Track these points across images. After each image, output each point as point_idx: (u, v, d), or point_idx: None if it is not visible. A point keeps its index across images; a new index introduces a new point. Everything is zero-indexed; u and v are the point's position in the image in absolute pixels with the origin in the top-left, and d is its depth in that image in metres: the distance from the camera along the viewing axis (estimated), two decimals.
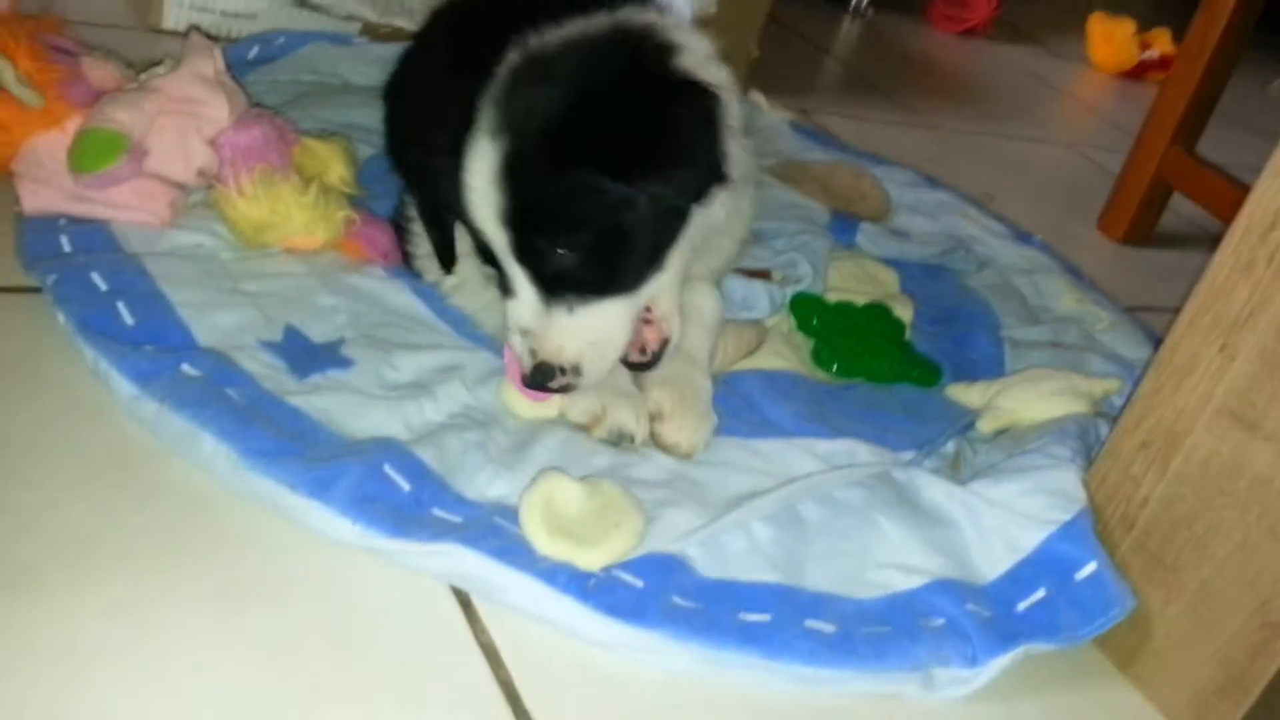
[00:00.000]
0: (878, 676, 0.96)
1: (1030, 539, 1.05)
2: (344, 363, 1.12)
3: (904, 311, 1.48)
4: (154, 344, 1.07)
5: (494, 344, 1.21)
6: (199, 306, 1.13)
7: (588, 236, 1.07)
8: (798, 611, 0.97)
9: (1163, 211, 2.10)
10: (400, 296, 1.26)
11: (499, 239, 1.09)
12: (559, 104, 1.06)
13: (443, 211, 1.18)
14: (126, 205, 1.22)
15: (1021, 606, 1.02)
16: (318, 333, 1.16)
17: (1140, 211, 2.06)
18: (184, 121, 1.25)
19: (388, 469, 0.98)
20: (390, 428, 1.06)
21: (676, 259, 1.13)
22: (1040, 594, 1.02)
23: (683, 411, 1.15)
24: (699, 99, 1.10)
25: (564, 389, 1.10)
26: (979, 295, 1.62)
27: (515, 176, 1.06)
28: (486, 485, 1.03)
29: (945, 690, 0.97)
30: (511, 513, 0.98)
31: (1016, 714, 0.99)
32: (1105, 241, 2.10)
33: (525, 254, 1.08)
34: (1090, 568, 1.02)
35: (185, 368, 1.04)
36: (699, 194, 1.11)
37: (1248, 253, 0.96)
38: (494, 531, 0.96)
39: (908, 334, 1.45)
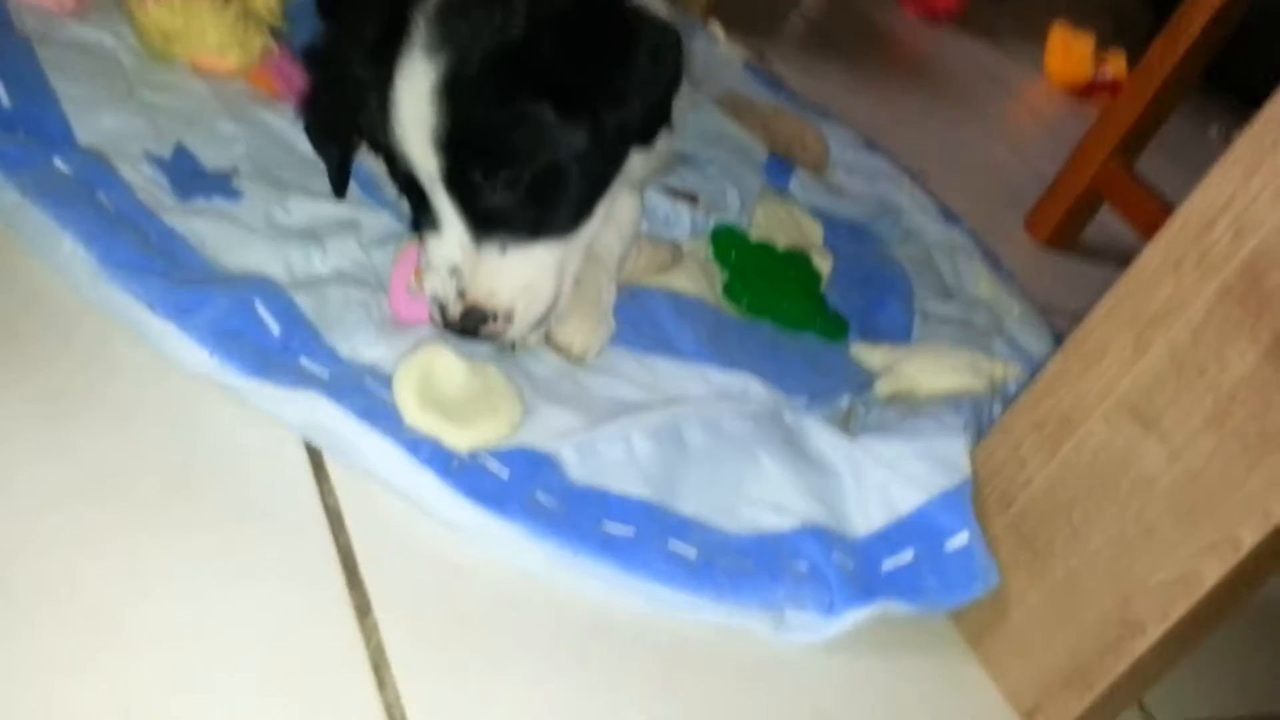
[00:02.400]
0: (731, 609, 0.93)
1: (908, 501, 1.03)
2: (232, 193, 1.05)
3: (823, 264, 1.44)
4: (28, 132, 0.99)
5: (396, 208, 1.14)
6: (85, 103, 1.05)
7: (530, 170, 0.99)
8: (663, 531, 0.94)
9: (1089, 222, 2.10)
10: (307, 141, 1.18)
11: (428, 166, 0.98)
12: (513, 26, 0.96)
13: (349, 129, 1.06)
14: None
15: (887, 565, 1.00)
16: (210, 158, 1.08)
17: (1068, 216, 2.06)
18: None
19: (259, 306, 0.92)
20: (270, 268, 0.99)
21: (603, 207, 1.07)
22: (908, 557, 1.00)
23: (580, 314, 1.09)
24: (661, 37, 1.03)
25: (492, 336, 1.02)
26: (899, 264, 1.60)
27: (455, 99, 0.96)
28: (364, 346, 0.97)
29: (796, 634, 0.95)
30: (385, 378, 0.93)
31: (861, 670, 0.97)
32: (1029, 241, 2.09)
33: (458, 185, 0.99)
34: (962, 539, 1.00)
35: (57, 161, 0.96)
36: (648, 137, 1.05)
37: (1179, 250, 0.94)
38: (361, 391, 0.90)
39: (822, 286, 1.42)
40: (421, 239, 1.03)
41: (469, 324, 1.00)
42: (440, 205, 1.00)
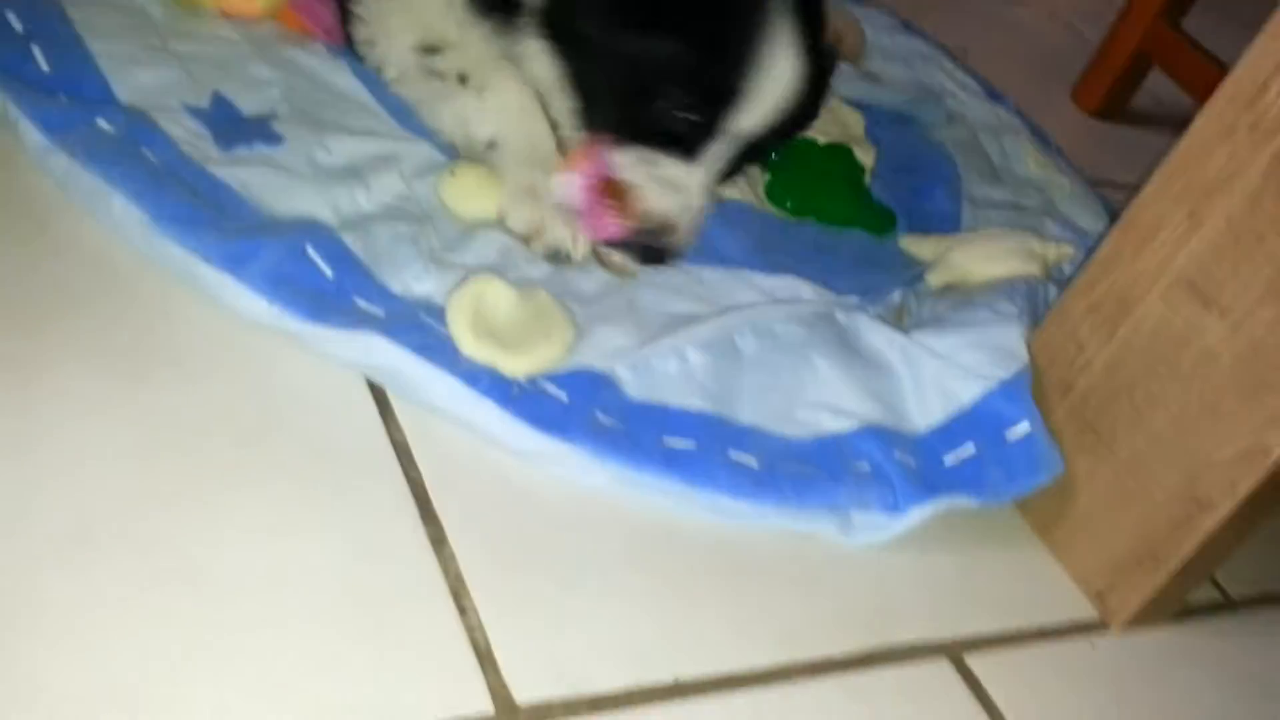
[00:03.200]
0: (796, 514, 0.94)
1: (967, 393, 1.03)
2: (273, 138, 1.05)
3: (865, 156, 1.42)
4: (69, 95, 1.00)
5: (435, 137, 1.15)
6: (121, 60, 1.05)
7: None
8: (723, 442, 0.95)
9: (1139, 88, 2.05)
10: (341, 77, 1.18)
11: (751, 121, 1.09)
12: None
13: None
14: None
15: (949, 460, 1.00)
16: (248, 104, 1.08)
17: (1116, 85, 2.01)
18: None
19: (310, 251, 0.93)
20: (318, 210, 1.00)
21: None
22: (970, 450, 1.01)
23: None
24: None
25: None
26: (944, 149, 1.57)
27: (804, 79, 1.10)
28: (414, 280, 0.97)
29: (862, 535, 0.96)
30: (438, 311, 0.94)
31: (930, 566, 0.98)
32: (1077, 112, 2.04)
33: (755, 141, 1.11)
34: (1023, 428, 1.00)
35: (100, 122, 0.96)
36: None
37: (1231, 117, 0.91)
38: (418, 327, 0.91)
39: (867, 180, 1.40)
40: (635, 156, 1.07)
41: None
42: (717, 147, 1.09)
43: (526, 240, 1.08)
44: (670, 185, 1.07)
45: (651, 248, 1.07)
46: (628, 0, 1.08)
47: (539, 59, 1.13)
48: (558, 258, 1.07)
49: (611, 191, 1.05)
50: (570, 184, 1.06)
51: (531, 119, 1.14)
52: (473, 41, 1.15)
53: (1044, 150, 1.66)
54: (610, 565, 0.86)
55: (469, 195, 1.09)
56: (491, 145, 1.12)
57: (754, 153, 1.15)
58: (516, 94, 1.14)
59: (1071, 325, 1.03)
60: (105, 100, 1.01)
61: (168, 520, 0.75)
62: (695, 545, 0.91)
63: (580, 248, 1.07)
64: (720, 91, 1.07)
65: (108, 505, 0.74)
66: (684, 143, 1.08)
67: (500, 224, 1.08)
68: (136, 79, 1.04)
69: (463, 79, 1.14)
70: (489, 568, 0.81)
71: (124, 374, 0.83)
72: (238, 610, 0.72)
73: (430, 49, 1.16)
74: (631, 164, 1.06)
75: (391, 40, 1.17)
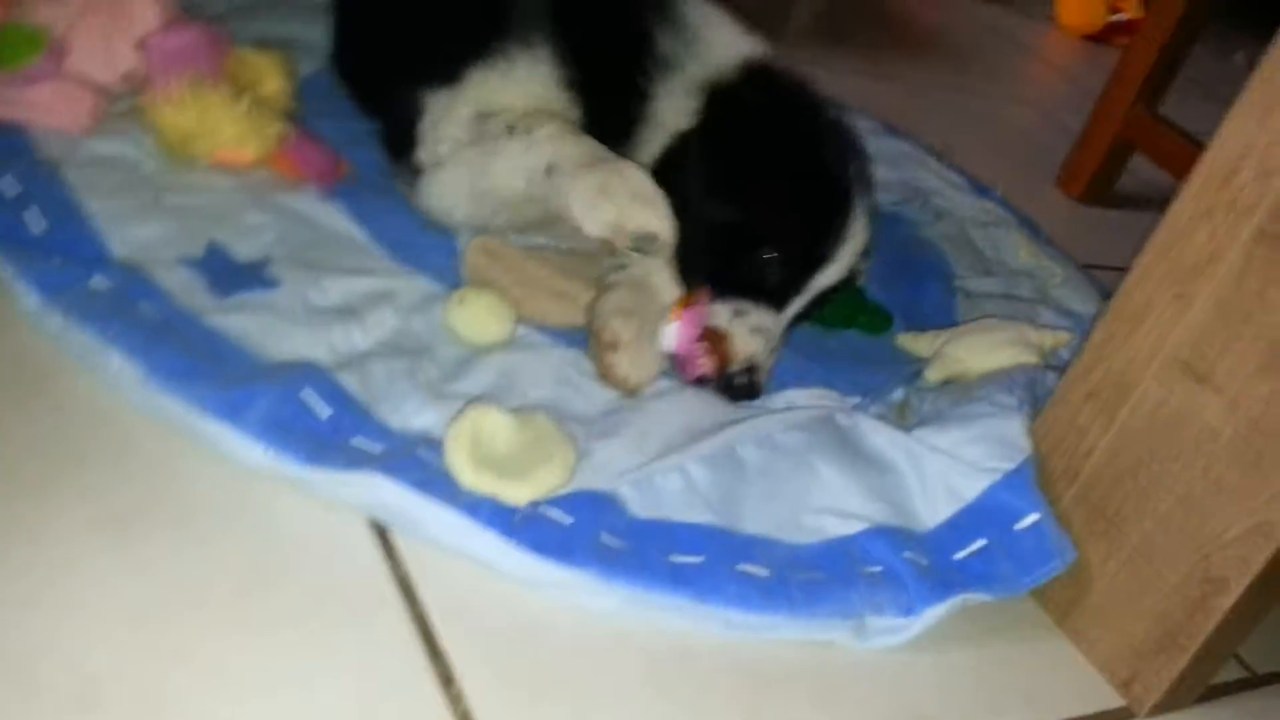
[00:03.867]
0: (810, 623, 0.93)
1: (972, 487, 1.02)
2: (268, 283, 1.07)
3: (860, 259, 1.44)
4: (64, 255, 1.01)
5: (431, 269, 1.17)
6: (116, 217, 1.07)
7: None
8: (731, 554, 0.94)
9: (1122, 171, 2.08)
10: (334, 218, 1.20)
11: (832, 274, 1.20)
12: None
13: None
14: (47, 107, 1.16)
15: (960, 556, 0.99)
16: (243, 251, 1.10)
17: (1100, 169, 2.04)
18: (110, 21, 1.19)
19: (306, 394, 0.93)
20: (314, 352, 1.01)
21: None
22: (980, 544, 1.00)
23: (638, 345, 1.11)
24: None
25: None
26: (934, 245, 1.59)
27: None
28: (412, 415, 0.98)
29: (878, 639, 0.95)
30: (437, 445, 0.94)
31: (950, 664, 0.96)
32: (1063, 199, 2.07)
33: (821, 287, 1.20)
34: (1032, 518, 1.00)
35: (95, 280, 0.98)
36: None
37: (1208, 199, 0.93)
38: (416, 463, 0.91)
39: (861, 281, 1.42)
40: (730, 308, 1.16)
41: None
42: (798, 295, 1.18)
43: (610, 242, 1.10)
44: (761, 331, 1.15)
45: (738, 385, 1.13)
46: (734, 175, 1.17)
47: None
48: (646, 244, 1.10)
49: (708, 337, 1.13)
50: (671, 331, 1.14)
51: (582, 140, 1.17)
52: None
53: (1033, 239, 1.67)
54: (626, 691, 0.85)
55: (480, 319, 1.10)
56: (550, 169, 1.14)
57: (821, 300, 1.23)
58: (562, 124, 1.18)
59: (1071, 412, 1.03)
60: (99, 258, 1.02)
61: (177, 677, 0.74)
62: (712, 664, 0.90)
63: (667, 229, 1.10)
64: (814, 257, 1.19)
65: (115, 665, 0.74)
66: (773, 295, 1.18)
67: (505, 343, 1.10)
68: (131, 234, 1.06)
69: (510, 130, 1.17)
70: (499, 702, 0.80)
71: (126, 530, 0.83)
72: None
73: (485, 115, 1.20)
74: (727, 314, 1.15)
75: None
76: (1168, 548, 0.96)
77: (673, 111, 1.22)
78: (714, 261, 1.17)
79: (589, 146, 1.16)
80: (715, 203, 1.17)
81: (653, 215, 1.10)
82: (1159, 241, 0.97)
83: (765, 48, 1.29)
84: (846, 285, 1.27)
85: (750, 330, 1.14)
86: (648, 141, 1.22)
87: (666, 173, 1.17)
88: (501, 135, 1.17)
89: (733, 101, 1.21)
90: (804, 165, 1.20)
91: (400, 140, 1.26)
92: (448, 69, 1.23)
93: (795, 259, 1.18)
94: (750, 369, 1.13)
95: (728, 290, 1.16)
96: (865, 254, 1.28)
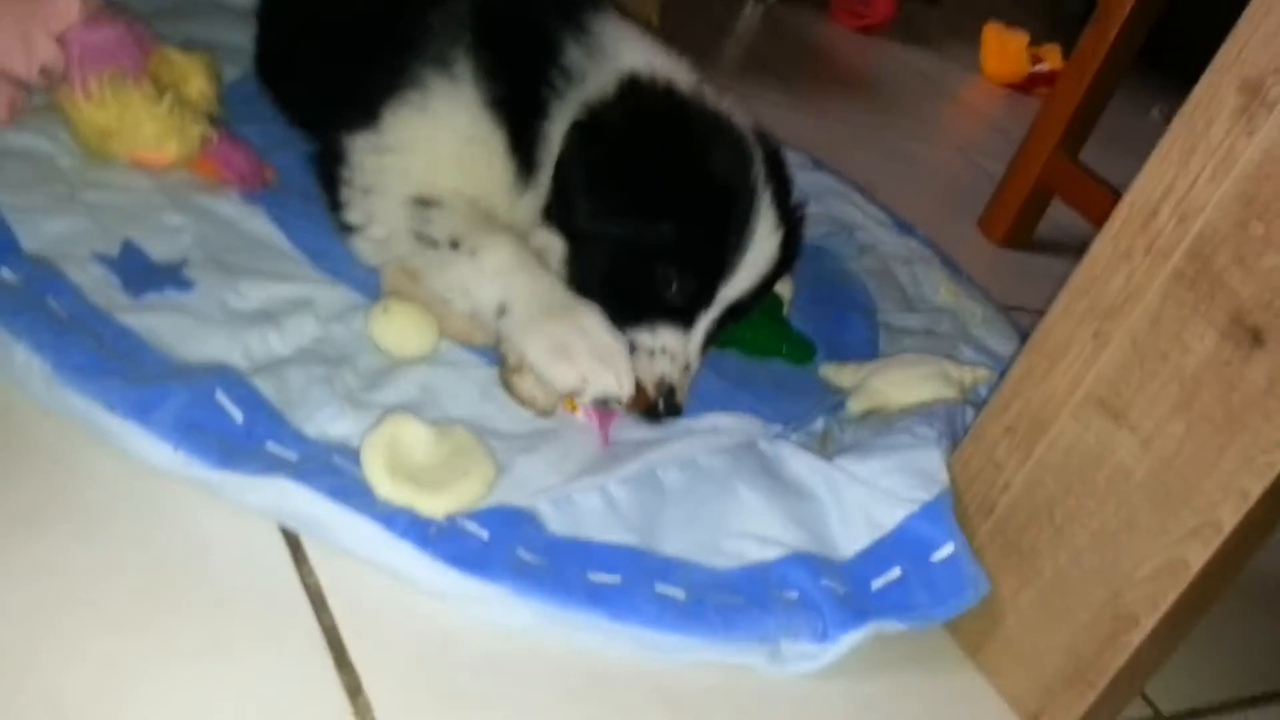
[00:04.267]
0: (725, 646, 0.92)
1: (890, 517, 1.03)
2: (184, 284, 1.04)
3: (783, 289, 1.45)
4: None
5: (353, 278, 1.15)
6: (28, 211, 1.04)
7: None
8: (648, 575, 0.93)
9: (1041, 217, 2.12)
10: (256, 223, 1.18)
11: (738, 289, 1.17)
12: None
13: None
14: None
15: (876, 584, 1.00)
16: (159, 251, 1.07)
17: (1020, 214, 2.08)
18: (27, 12, 1.15)
19: (220, 396, 0.91)
20: (229, 355, 0.98)
21: None
22: (895, 573, 1.00)
23: None
24: None
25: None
26: (858, 279, 1.61)
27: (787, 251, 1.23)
28: (328, 423, 0.96)
29: (793, 665, 0.94)
30: (353, 453, 0.92)
31: (862, 693, 0.96)
32: (984, 242, 2.11)
33: (733, 303, 1.18)
34: (947, 550, 1.00)
35: (3, 272, 0.95)
36: None
37: (1126, 240, 0.95)
38: (331, 470, 0.89)
39: (786, 311, 1.43)
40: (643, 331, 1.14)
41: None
42: (707, 313, 1.16)
43: (537, 408, 1.08)
44: (669, 353, 1.13)
45: (659, 414, 1.11)
46: (622, 190, 1.13)
47: (549, 248, 1.17)
48: (606, 405, 1.08)
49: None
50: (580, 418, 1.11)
51: (535, 274, 1.12)
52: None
53: (954, 278, 1.70)
54: (536, 706, 0.84)
55: (403, 332, 1.08)
56: (502, 310, 1.09)
57: (736, 312, 1.21)
58: (512, 252, 1.12)
59: (989, 446, 1.05)
60: (10, 249, 0.99)
61: (72, 677, 0.71)
62: (626, 683, 0.88)
63: (628, 387, 1.07)
64: (713, 267, 1.15)
65: (7, 663, 0.71)
66: (679, 313, 1.15)
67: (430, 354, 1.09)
68: (44, 229, 1.03)
69: (454, 244, 1.12)
70: (406, 715, 0.78)
71: (24, 527, 0.80)
72: None
73: (426, 203, 1.15)
74: (635, 339, 1.12)
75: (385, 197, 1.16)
76: (1080, 583, 0.97)
77: (559, 132, 1.17)
78: (614, 286, 1.14)
79: (543, 284, 1.11)
80: (598, 225, 1.14)
81: (613, 379, 1.06)
82: (1079, 280, 0.98)
83: (675, 64, 1.24)
84: (766, 293, 1.26)
85: (659, 353, 1.12)
86: (545, 165, 1.18)
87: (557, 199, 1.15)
88: (445, 247, 1.12)
89: (599, 118, 1.16)
90: (684, 174, 1.13)
91: (327, 178, 1.20)
92: (365, 106, 1.18)
93: (694, 271, 1.14)
94: (669, 392, 1.11)
95: (633, 314, 1.13)
96: (788, 261, 1.26)
